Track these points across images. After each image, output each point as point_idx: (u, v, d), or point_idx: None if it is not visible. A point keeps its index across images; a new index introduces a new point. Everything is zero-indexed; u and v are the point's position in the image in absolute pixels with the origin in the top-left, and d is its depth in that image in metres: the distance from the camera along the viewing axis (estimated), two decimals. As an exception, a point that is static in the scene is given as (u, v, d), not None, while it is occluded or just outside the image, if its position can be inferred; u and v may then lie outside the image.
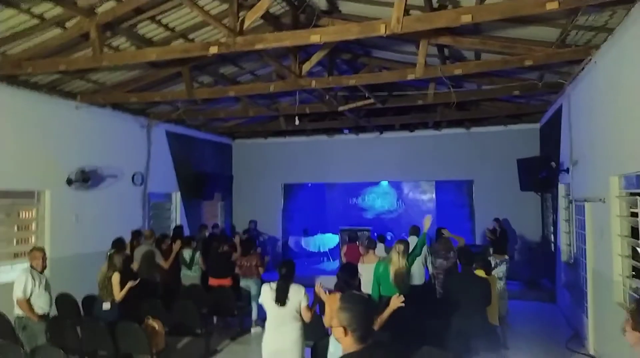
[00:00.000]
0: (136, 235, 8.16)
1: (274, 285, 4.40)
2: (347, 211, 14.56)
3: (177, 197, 10.85)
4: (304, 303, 4.32)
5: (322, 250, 13.35)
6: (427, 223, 5.89)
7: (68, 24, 5.88)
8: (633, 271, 4.99)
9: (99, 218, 8.23)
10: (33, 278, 5.31)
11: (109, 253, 5.97)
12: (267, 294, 4.38)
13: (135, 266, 7.32)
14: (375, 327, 4.12)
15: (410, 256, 5.58)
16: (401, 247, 5.44)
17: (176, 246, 7.75)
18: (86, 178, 7.84)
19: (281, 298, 4.29)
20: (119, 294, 5.60)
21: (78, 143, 8.01)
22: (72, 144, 7.88)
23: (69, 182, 7.72)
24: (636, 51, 4.45)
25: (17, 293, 5.22)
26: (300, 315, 4.37)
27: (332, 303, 4.28)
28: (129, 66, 7.31)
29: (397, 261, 5.38)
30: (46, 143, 7.40)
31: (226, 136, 13.13)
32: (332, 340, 4.25)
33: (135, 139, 9.51)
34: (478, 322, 4.70)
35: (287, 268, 4.46)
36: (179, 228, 9.42)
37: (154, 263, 7.50)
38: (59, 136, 7.66)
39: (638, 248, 4.88)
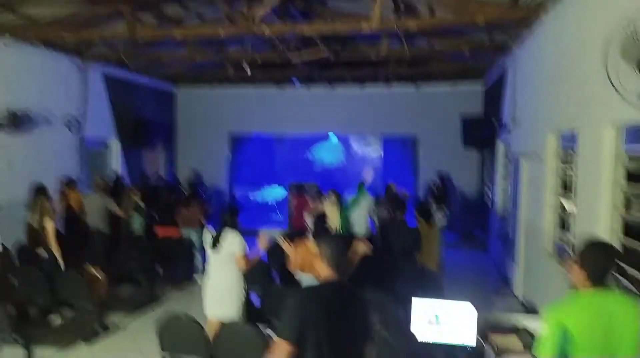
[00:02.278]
0: (70, 183, 7.77)
1: (213, 230, 4.52)
2: (295, 164, 14.56)
3: (115, 145, 10.36)
4: (238, 253, 4.36)
5: (269, 203, 13.38)
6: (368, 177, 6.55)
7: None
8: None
9: (31, 165, 7.72)
10: None
11: (34, 199, 5.66)
12: (207, 239, 4.52)
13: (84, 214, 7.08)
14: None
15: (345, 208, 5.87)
16: (334, 197, 5.61)
17: (134, 195, 7.50)
18: (17, 121, 7.28)
19: (215, 244, 4.40)
20: (55, 243, 5.39)
21: (7, 83, 7.36)
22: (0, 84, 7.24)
23: (-2, 125, 7.15)
24: (579, 12, 4.64)
25: None
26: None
27: (301, 251, 4.48)
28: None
29: (331, 211, 5.54)
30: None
31: (169, 82, 12.54)
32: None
33: (70, 82, 8.88)
34: (409, 266, 5.01)
35: (229, 214, 4.53)
36: (118, 177, 9.06)
37: (106, 212, 7.22)
38: (-16, 75, 7.02)
39: (565, 202, 5.28)
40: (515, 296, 6.96)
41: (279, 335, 2.21)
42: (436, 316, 3.61)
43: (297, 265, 4.51)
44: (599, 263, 2.24)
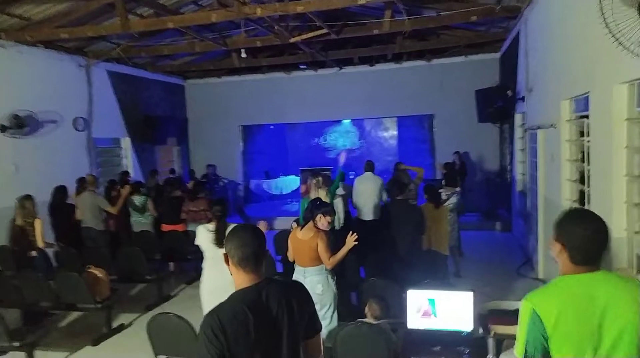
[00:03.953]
0: (82, 182, 7.74)
1: (211, 226, 4.30)
2: (309, 151, 14.35)
3: (126, 142, 10.33)
4: None
5: (284, 192, 13.19)
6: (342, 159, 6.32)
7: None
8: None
9: (41, 167, 7.72)
10: None
11: (19, 201, 5.65)
12: (203, 235, 4.30)
13: (79, 214, 6.99)
14: (329, 266, 4.08)
15: (331, 189, 5.61)
16: (319, 181, 5.34)
17: (124, 191, 7.38)
18: (21, 124, 7.28)
19: (220, 239, 4.17)
20: (41, 241, 5.38)
21: (8, 86, 7.35)
22: (1, 88, 7.22)
23: (2, 129, 7.16)
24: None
25: None
26: None
27: (292, 239, 4.21)
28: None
29: (315, 196, 5.29)
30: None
31: (177, 76, 12.43)
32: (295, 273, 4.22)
33: (73, 81, 8.84)
34: (413, 250, 4.70)
35: (221, 208, 4.35)
36: (124, 174, 9.01)
37: (99, 210, 7.14)
38: (-16, 79, 7.02)
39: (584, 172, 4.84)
40: (537, 277, 6.54)
41: None
42: (432, 305, 3.35)
43: (290, 256, 4.29)
44: (580, 237, 1.76)
